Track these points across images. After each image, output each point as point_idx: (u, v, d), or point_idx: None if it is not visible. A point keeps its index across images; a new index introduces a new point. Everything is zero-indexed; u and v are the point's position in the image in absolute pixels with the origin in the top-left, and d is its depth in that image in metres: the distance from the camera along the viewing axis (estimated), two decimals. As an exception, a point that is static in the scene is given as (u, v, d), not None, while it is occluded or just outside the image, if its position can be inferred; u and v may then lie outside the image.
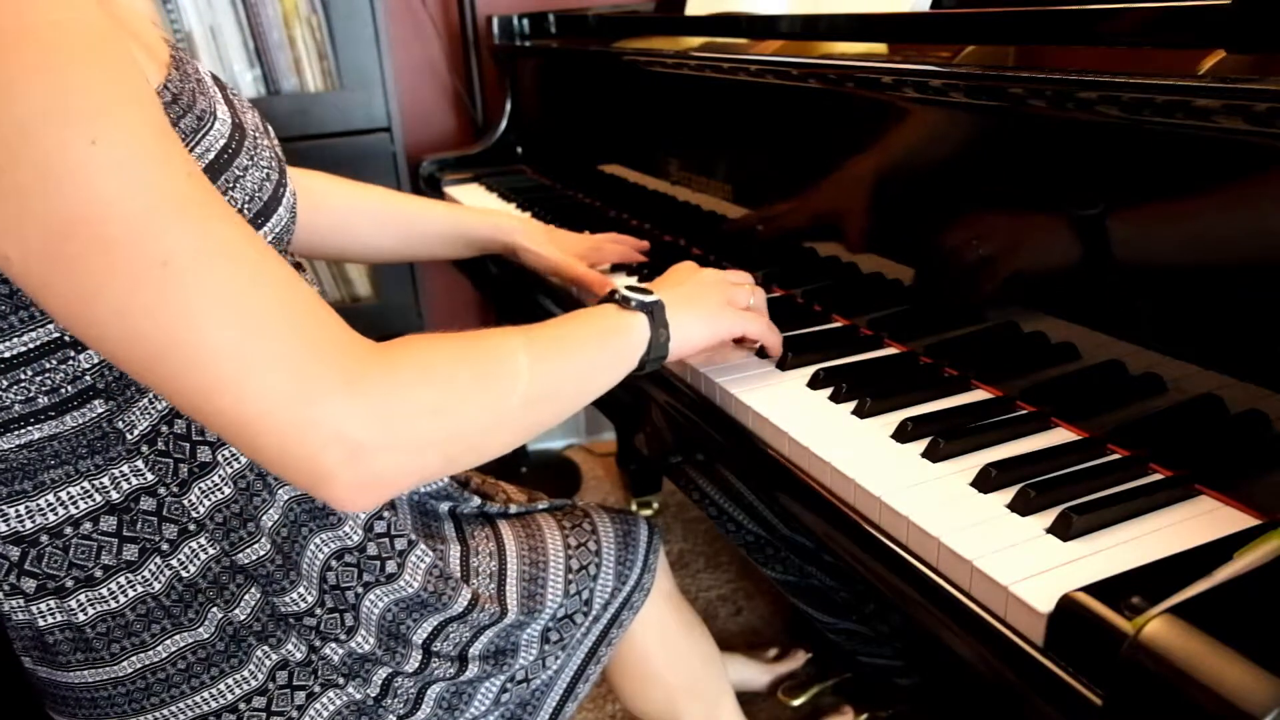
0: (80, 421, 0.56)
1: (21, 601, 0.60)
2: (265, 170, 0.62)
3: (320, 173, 0.96)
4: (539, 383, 0.57)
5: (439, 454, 0.52)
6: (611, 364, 0.65)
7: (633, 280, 0.98)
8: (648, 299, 0.67)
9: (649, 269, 1.03)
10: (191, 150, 0.55)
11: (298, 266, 0.72)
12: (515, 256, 1.03)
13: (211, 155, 0.57)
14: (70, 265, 0.42)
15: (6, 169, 0.41)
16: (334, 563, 0.67)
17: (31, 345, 0.52)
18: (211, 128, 0.58)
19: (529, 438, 0.60)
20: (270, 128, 0.71)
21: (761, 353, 0.80)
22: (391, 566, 0.69)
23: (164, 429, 0.59)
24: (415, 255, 1.03)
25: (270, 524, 0.63)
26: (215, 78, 0.65)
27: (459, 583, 0.74)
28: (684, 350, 0.70)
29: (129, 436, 0.57)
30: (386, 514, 0.71)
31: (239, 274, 0.45)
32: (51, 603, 0.60)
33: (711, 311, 0.72)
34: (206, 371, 0.44)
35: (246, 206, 0.59)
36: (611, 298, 0.68)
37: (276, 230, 0.62)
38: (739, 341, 0.79)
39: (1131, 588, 0.45)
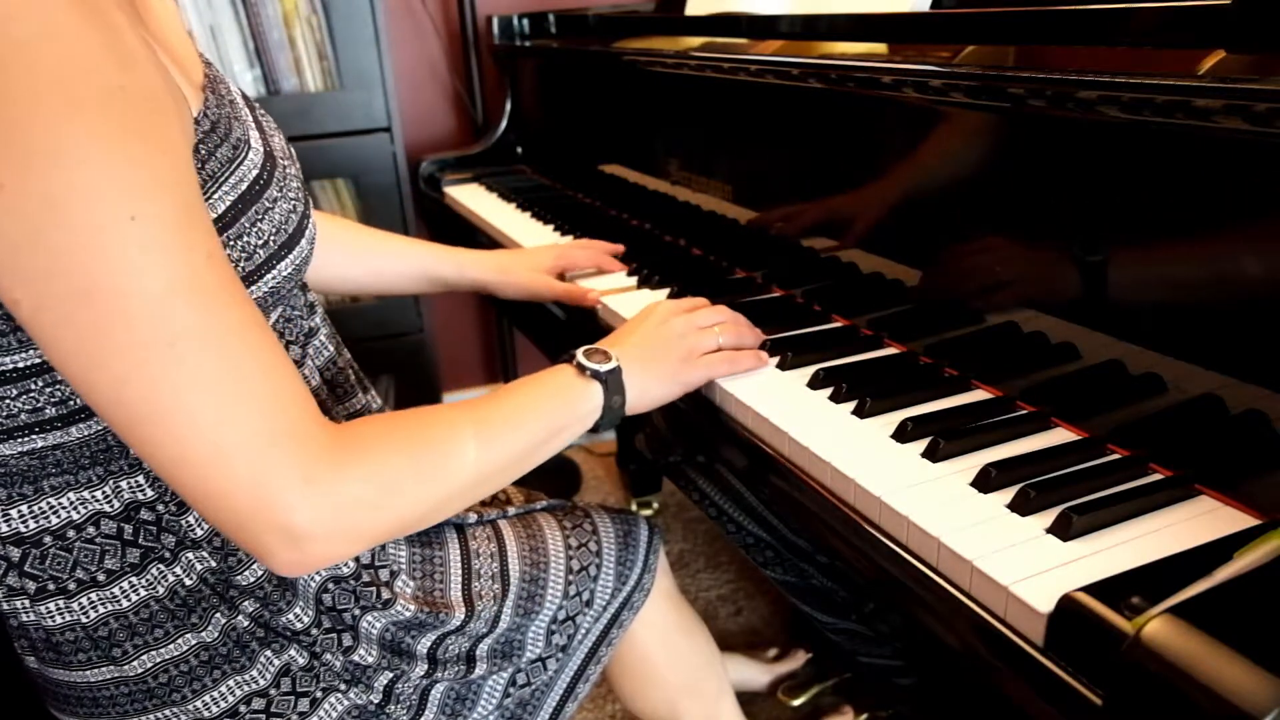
0: (85, 434, 0.56)
1: (26, 602, 0.60)
2: (293, 201, 0.62)
3: None
4: (485, 467, 0.60)
5: (373, 540, 0.55)
6: (561, 432, 0.66)
7: (591, 293, 0.97)
8: (604, 368, 0.68)
9: (648, 268, 1.03)
10: (225, 181, 0.56)
11: (302, 287, 0.71)
12: (487, 291, 1.01)
13: (244, 186, 0.57)
14: (82, 329, 0.44)
15: (43, 228, 0.42)
16: (331, 585, 0.67)
17: (46, 358, 0.52)
18: (246, 157, 0.58)
19: (469, 505, 0.63)
20: (294, 151, 0.71)
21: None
22: (386, 594, 0.70)
23: None
24: (385, 290, 1.01)
25: None
26: (245, 96, 0.65)
27: (456, 602, 0.74)
28: (644, 408, 0.71)
29: (132, 451, 0.57)
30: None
31: (234, 361, 0.48)
32: (60, 603, 0.60)
33: (672, 370, 0.72)
34: (183, 446, 0.47)
35: (273, 239, 0.59)
36: (570, 360, 0.69)
37: (297, 262, 0.62)
38: None
39: (1131, 588, 0.45)
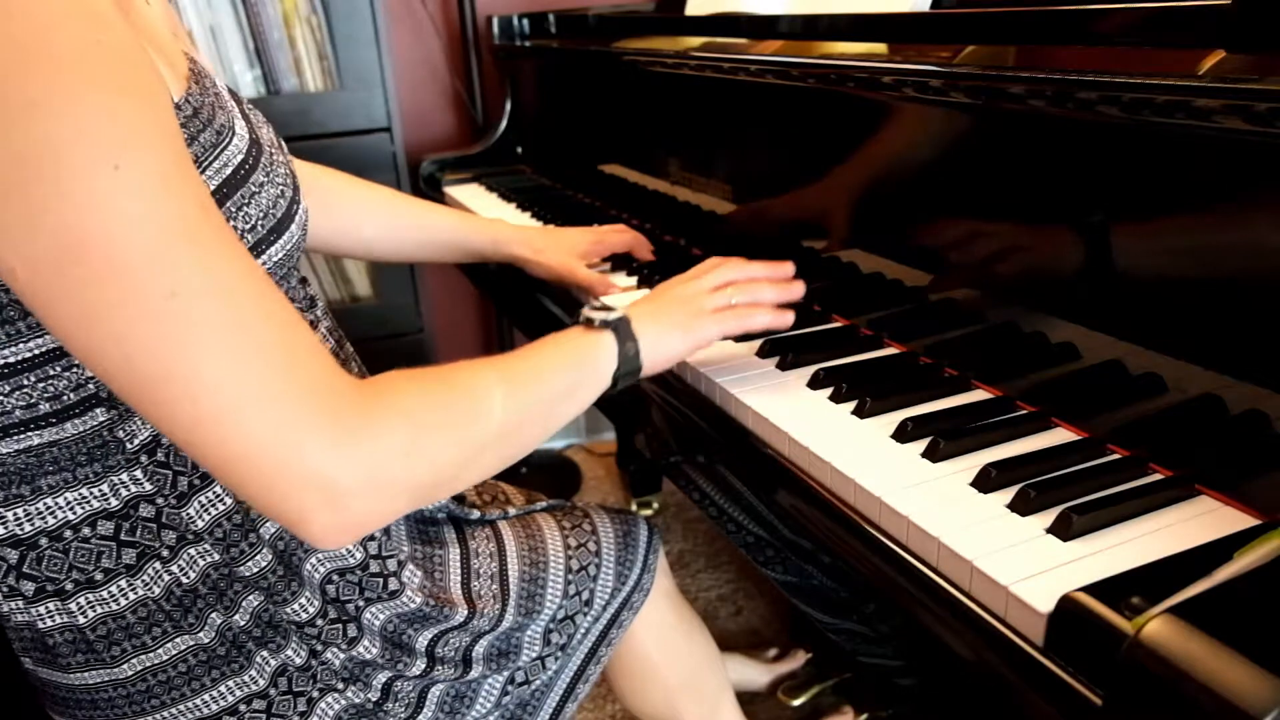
0: (81, 429, 0.56)
1: (22, 603, 0.60)
2: (280, 187, 0.62)
3: (332, 171, 0.97)
4: (513, 416, 0.58)
5: (413, 494, 0.53)
6: (583, 385, 0.65)
7: (614, 286, 0.99)
8: (611, 316, 0.68)
9: (650, 269, 1.03)
10: (209, 165, 0.55)
11: (302, 281, 0.71)
12: (519, 266, 1.04)
13: (229, 171, 0.57)
14: (77, 287, 0.43)
15: (25, 184, 0.41)
16: (335, 577, 0.67)
17: (37, 351, 0.52)
18: (229, 143, 0.58)
19: (505, 466, 0.61)
20: (284, 144, 0.71)
21: (763, 352, 0.80)
22: (394, 584, 0.70)
23: (165, 440, 0.58)
24: (417, 259, 1.05)
25: (270, 535, 0.63)
26: (232, 92, 0.65)
27: (458, 598, 0.74)
28: (660, 362, 0.70)
29: (129, 445, 0.57)
30: (378, 534, 0.71)
31: (240, 311, 0.46)
32: (53, 605, 0.60)
33: (684, 321, 0.72)
34: (198, 405, 0.45)
35: (260, 223, 0.59)
36: (577, 320, 0.69)
37: (287, 248, 0.62)
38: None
39: (1131, 588, 0.45)
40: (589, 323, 0.68)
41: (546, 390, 0.62)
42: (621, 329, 0.68)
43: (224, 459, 0.46)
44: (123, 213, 0.43)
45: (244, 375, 0.45)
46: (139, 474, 0.58)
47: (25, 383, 0.53)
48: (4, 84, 0.41)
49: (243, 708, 0.64)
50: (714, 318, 0.73)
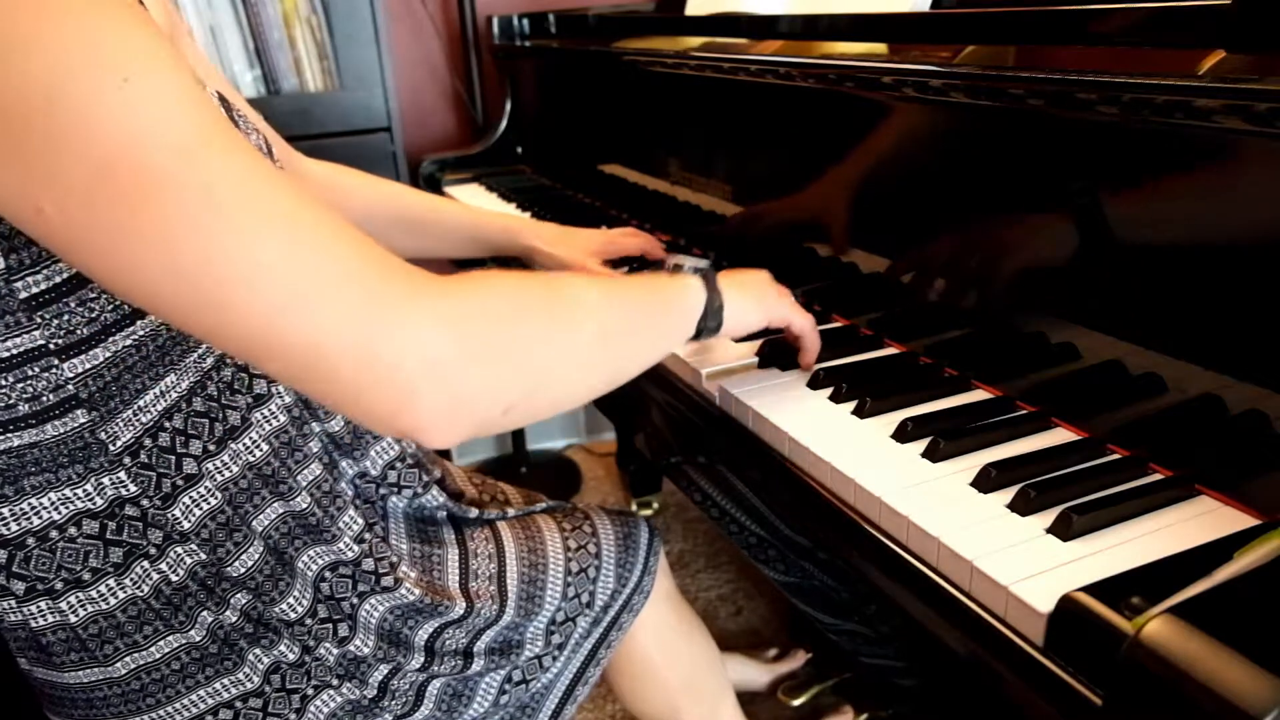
0: (61, 431, 0.56)
1: (14, 603, 0.60)
2: None
3: (348, 170, 0.98)
4: (610, 318, 0.57)
5: (518, 374, 0.50)
6: (670, 317, 0.65)
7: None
8: (700, 264, 0.69)
9: (648, 268, 1.03)
10: None
11: None
12: (529, 258, 1.04)
13: None
14: (111, 207, 0.41)
15: (39, 116, 0.40)
16: (328, 573, 0.67)
17: (15, 351, 0.52)
18: None
19: (605, 386, 0.58)
20: (275, 149, 0.70)
21: (763, 362, 0.80)
22: (388, 581, 0.70)
23: (147, 441, 0.58)
24: (428, 254, 1.04)
25: (263, 527, 0.63)
26: (222, 97, 0.65)
27: (455, 593, 0.74)
28: (738, 326, 0.71)
29: (111, 448, 0.57)
30: (377, 530, 0.71)
31: (282, 197, 0.44)
32: (45, 604, 0.60)
33: (764, 294, 0.72)
34: (266, 294, 0.42)
35: None
36: (663, 267, 0.69)
37: None
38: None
39: (1131, 588, 0.45)
40: (677, 268, 0.68)
41: (637, 306, 0.62)
42: (709, 278, 0.68)
43: (311, 347, 0.43)
44: (141, 122, 0.41)
45: (306, 253, 0.43)
46: (122, 475, 0.58)
47: (3, 383, 0.53)
48: (3, 25, 0.40)
49: (239, 704, 0.64)
50: (790, 303, 0.74)
